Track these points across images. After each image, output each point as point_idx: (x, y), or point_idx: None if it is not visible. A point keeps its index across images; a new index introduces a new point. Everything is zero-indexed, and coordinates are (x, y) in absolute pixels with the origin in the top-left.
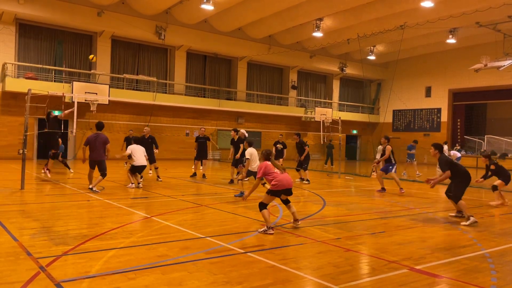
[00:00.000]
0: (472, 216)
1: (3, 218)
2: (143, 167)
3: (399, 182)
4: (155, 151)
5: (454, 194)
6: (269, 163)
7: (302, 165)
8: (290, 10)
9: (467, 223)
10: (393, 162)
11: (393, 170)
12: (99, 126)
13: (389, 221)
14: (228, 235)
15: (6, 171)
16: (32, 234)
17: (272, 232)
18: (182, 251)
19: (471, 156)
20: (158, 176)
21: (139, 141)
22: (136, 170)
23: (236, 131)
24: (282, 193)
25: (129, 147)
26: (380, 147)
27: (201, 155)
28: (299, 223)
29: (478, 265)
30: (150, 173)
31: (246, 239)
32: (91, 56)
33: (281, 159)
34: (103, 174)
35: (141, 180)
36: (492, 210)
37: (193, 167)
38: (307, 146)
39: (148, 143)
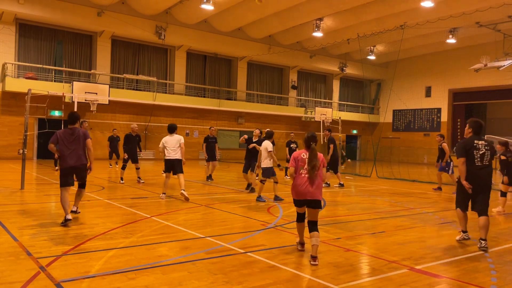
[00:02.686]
0: (464, 232)
1: (3, 218)
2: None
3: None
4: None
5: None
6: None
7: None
8: (290, 10)
9: (458, 237)
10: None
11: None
12: (73, 118)
13: (389, 221)
14: (228, 235)
15: (6, 171)
16: (32, 234)
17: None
18: (182, 251)
19: None
20: (138, 178)
21: (127, 138)
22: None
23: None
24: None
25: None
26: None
27: (211, 156)
28: (316, 262)
29: (478, 265)
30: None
31: (246, 239)
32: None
33: None
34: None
35: (139, 178)
36: (498, 219)
37: (207, 168)
38: (332, 144)
39: (135, 141)
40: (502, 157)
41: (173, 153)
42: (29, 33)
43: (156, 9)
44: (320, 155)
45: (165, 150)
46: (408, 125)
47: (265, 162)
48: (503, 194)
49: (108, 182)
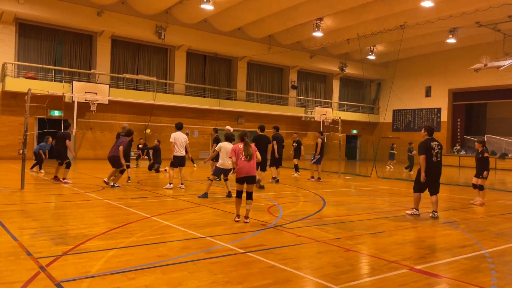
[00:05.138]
0: (417, 209)
1: (3, 218)
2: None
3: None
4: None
5: (414, 183)
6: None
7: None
8: (290, 10)
9: (409, 212)
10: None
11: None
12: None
13: (389, 221)
14: (228, 235)
15: (6, 171)
16: (32, 234)
17: (237, 219)
18: (182, 251)
19: (471, 156)
20: (128, 177)
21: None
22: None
23: (276, 128)
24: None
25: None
26: None
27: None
28: (247, 221)
29: (478, 265)
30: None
31: (246, 239)
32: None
33: (297, 159)
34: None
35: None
36: (481, 209)
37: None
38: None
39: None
40: (486, 154)
41: (183, 150)
42: (29, 33)
43: (156, 9)
44: (252, 145)
45: (175, 147)
46: (408, 125)
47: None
48: (482, 188)
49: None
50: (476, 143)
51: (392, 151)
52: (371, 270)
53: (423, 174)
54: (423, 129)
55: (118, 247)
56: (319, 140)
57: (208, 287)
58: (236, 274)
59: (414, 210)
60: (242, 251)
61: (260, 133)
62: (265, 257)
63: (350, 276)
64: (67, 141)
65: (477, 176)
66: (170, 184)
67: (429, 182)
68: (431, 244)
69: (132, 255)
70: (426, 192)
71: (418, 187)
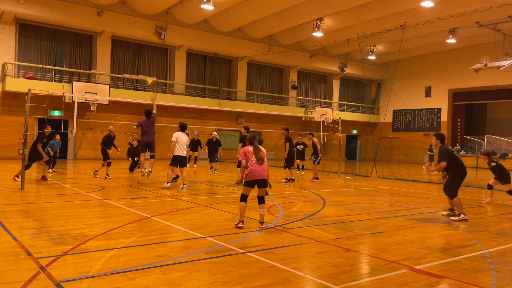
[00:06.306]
0: (464, 214)
1: (3, 218)
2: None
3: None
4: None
5: (450, 189)
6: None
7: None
8: (290, 10)
9: (456, 218)
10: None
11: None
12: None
13: (389, 221)
14: (228, 235)
15: (6, 171)
16: (32, 234)
17: (241, 226)
18: (182, 251)
19: (471, 156)
20: (107, 174)
21: (108, 138)
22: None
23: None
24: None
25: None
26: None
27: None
28: (263, 226)
29: (478, 265)
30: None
31: (246, 239)
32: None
33: (300, 160)
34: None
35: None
36: (487, 209)
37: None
38: (288, 143)
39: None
40: (493, 164)
41: (184, 150)
42: (29, 33)
43: (156, 9)
44: (262, 148)
45: (177, 145)
46: (408, 125)
47: None
48: (490, 187)
49: (108, 182)
50: (481, 156)
51: (431, 153)
52: (371, 270)
53: (436, 170)
54: (434, 138)
55: (118, 247)
56: (315, 140)
57: (208, 287)
58: (236, 274)
59: (462, 215)
60: (242, 251)
61: (246, 133)
62: (265, 257)
63: (350, 276)
64: (38, 145)
65: (505, 183)
66: (167, 183)
67: (460, 183)
68: (431, 244)
69: (132, 255)
70: (425, 191)
71: (456, 191)
